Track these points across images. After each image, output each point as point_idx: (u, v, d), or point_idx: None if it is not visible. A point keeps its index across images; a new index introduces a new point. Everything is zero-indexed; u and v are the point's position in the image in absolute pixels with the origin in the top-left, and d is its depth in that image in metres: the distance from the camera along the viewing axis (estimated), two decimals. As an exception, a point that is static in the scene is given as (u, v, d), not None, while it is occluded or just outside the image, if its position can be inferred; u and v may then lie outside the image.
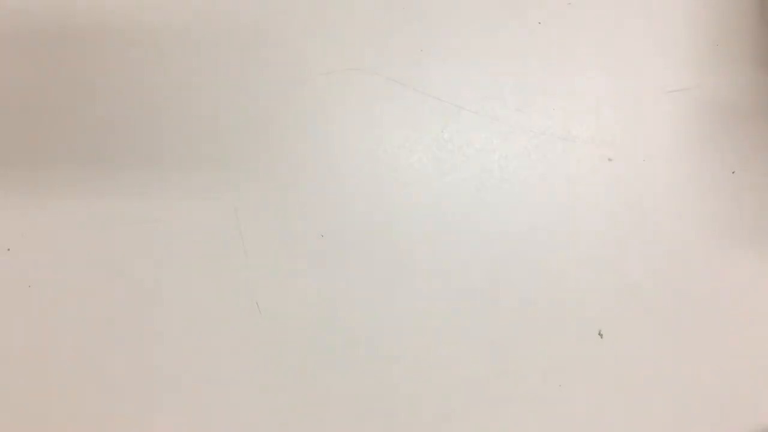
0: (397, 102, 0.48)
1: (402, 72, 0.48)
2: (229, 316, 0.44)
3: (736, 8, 0.50)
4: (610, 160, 0.47)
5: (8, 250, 0.45)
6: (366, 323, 0.45)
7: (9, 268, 0.45)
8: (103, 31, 0.48)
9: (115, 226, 0.46)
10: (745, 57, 0.49)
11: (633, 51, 0.49)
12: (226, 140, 0.47)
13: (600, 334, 0.44)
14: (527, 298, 0.45)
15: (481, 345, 0.44)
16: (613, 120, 0.48)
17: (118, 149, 0.47)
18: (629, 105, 0.48)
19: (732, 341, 0.44)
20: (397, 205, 0.46)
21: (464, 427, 0.43)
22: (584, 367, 0.44)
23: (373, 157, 0.47)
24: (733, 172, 0.47)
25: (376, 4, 0.49)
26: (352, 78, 0.48)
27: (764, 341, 0.43)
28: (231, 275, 0.45)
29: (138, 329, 0.43)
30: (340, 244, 0.45)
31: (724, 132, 0.47)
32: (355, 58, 0.48)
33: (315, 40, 0.49)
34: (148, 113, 0.47)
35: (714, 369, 0.42)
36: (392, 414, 0.43)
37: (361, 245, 0.45)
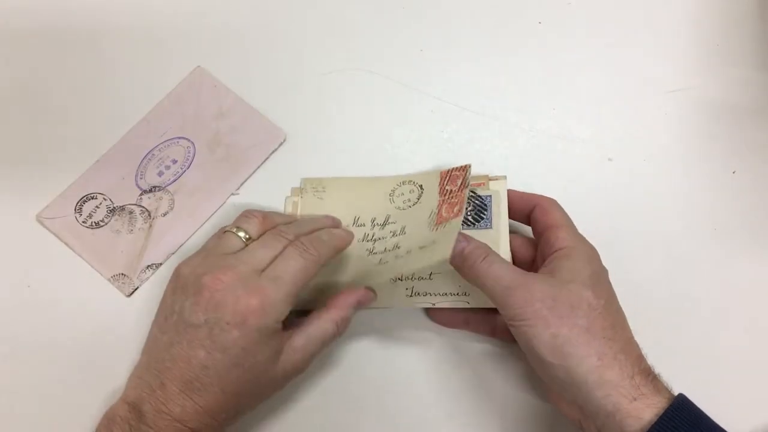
0: (397, 102, 0.48)
1: (402, 72, 0.48)
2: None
3: (736, 9, 0.50)
4: (610, 160, 0.47)
5: (8, 249, 0.45)
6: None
7: (9, 268, 0.45)
8: (103, 31, 0.48)
9: (115, 226, 0.46)
10: (745, 57, 0.49)
11: (633, 51, 0.49)
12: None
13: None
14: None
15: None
16: (613, 120, 0.48)
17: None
18: (629, 105, 0.48)
19: (732, 341, 0.43)
20: (397, 205, 0.46)
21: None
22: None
23: (373, 156, 0.47)
24: (733, 172, 0.47)
25: (376, 4, 0.49)
26: (352, 78, 0.48)
27: (764, 341, 0.43)
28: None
29: (138, 329, 0.43)
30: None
31: (724, 132, 0.47)
32: (355, 58, 0.48)
33: (315, 40, 0.49)
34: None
35: (714, 368, 0.42)
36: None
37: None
